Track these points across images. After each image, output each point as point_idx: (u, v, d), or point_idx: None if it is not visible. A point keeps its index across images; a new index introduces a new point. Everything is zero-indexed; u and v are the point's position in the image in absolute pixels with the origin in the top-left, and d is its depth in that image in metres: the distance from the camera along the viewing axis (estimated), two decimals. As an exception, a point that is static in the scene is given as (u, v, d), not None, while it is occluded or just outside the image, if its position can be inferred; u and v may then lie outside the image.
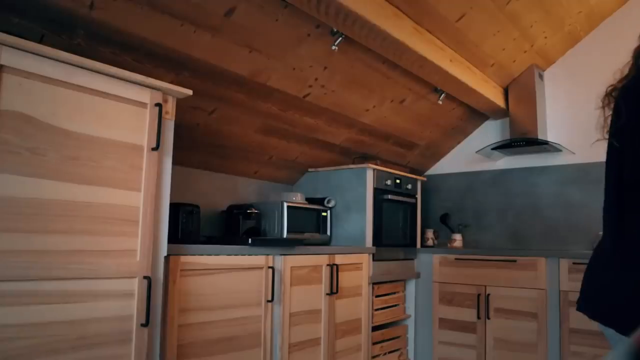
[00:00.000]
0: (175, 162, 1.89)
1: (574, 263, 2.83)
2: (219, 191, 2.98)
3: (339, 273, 2.73)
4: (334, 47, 2.42)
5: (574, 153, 3.44)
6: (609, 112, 1.20)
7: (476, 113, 3.75)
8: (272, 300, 2.29)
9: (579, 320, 2.75)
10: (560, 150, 3.44)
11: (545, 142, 3.36)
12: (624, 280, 1.14)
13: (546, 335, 2.87)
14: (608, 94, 1.22)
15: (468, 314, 3.19)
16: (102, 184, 1.61)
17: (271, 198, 3.12)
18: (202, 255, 2.00)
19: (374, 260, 3.07)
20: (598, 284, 1.22)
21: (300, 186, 3.45)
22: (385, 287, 3.21)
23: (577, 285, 2.99)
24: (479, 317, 3.14)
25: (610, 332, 1.16)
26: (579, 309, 1.25)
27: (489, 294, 3.11)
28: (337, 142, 3.31)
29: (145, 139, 1.75)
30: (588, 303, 1.24)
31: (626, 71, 1.19)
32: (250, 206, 2.82)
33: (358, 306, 2.90)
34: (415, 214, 3.60)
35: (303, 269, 2.50)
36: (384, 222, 3.23)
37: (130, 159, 1.70)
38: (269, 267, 2.30)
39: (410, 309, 3.48)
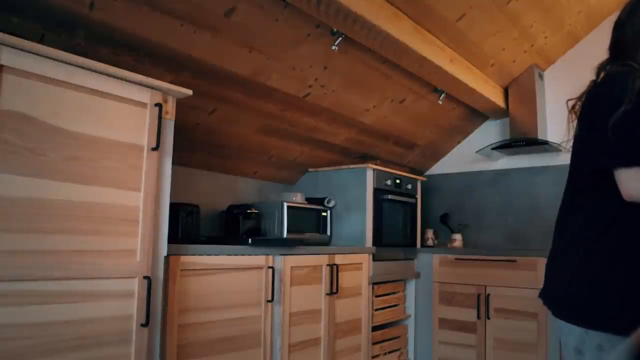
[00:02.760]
0: (175, 162, 1.89)
1: (574, 263, 2.82)
2: (219, 191, 2.98)
3: (339, 273, 2.73)
4: (334, 47, 2.42)
5: (574, 153, 3.43)
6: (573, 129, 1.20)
7: (476, 113, 3.75)
8: (272, 300, 2.29)
9: (579, 320, 2.75)
10: (560, 150, 3.44)
11: (545, 142, 3.36)
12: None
13: (546, 335, 2.87)
14: (571, 110, 1.23)
15: (468, 314, 3.19)
16: (102, 184, 1.61)
17: (271, 198, 3.12)
18: (202, 255, 2.00)
19: (374, 260, 3.07)
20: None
21: (300, 186, 3.45)
22: (385, 287, 3.21)
23: (577, 285, 2.92)
24: (479, 317, 3.13)
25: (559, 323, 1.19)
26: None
27: (489, 294, 3.11)
28: (337, 142, 3.31)
29: (145, 139, 1.75)
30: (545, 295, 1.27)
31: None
32: (250, 206, 2.82)
33: (358, 306, 2.90)
34: (415, 214, 3.60)
35: (303, 269, 2.50)
36: (384, 222, 3.23)
37: (130, 159, 1.70)
38: (269, 267, 2.29)
39: (410, 309, 3.47)
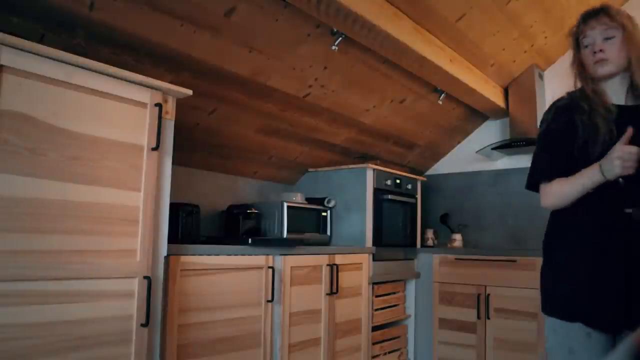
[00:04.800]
0: (175, 162, 1.89)
1: (574, 263, 2.82)
2: (219, 191, 2.98)
3: (339, 273, 2.73)
4: (334, 47, 2.42)
5: (574, 153, 3.43)
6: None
7: (476, 113, 3.75)
8: (272, 300, 2.29)
9: (579, 320, 2.75)
10: (560, 150, 3.44)
11: (545, 142, 3.36)
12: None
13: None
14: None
15: (468, 314, 3.19)
16: (102, 184, 1.61)
17: (271, 198, 3.11)
18: (202, 255, 2.00)
19: (374, 260, 3.07)
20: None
21: (300, 186, 3.45)
22: (385, 287, 3.21)
23: (577, 285, 2.90)
24: (479, 317, 3.13)
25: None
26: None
27: (489, 294, 3.11)
28: (337, 142, 3.31)
29: (145, 139, 1.75)
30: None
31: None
32: (250, 206, 2.82)
33: (358, 306, 2.90)
34: (415, 214, 3.60)
35: (303, 269, 2.50)
36: (384, 222, 3.23)
37: (130, 159, 1.70)
38: (269, 267, 2.29)
39: (410, 309, 3.48)
